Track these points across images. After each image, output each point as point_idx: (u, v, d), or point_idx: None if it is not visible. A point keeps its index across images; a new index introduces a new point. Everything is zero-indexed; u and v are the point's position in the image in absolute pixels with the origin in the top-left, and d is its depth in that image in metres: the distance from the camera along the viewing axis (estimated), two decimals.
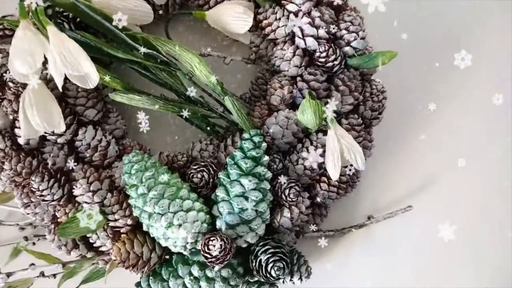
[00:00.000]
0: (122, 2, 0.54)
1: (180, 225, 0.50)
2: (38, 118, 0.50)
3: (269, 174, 0.53)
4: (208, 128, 0.59)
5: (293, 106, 0.57)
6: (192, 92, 0.54)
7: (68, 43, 0.48)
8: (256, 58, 0.60)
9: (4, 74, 0.59)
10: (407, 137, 0.65)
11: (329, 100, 0.54)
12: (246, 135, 0.52)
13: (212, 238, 0.49)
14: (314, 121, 0.51)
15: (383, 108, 0.59)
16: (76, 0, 0.52)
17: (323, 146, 0.54)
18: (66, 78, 0.55)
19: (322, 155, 0.54)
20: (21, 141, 0.56)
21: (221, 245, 0.49)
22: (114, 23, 0.51)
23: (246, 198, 0.51)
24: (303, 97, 0.55)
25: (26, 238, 0.64)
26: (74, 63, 0.47)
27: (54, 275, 0.60)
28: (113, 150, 0.57)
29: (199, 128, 0.59)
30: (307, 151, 0.54)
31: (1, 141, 0.56)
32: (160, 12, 0.60)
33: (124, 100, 0.54)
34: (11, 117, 0.57)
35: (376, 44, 0.59)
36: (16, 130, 0.56)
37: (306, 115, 0.51)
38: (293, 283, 0.56)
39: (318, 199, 0.56)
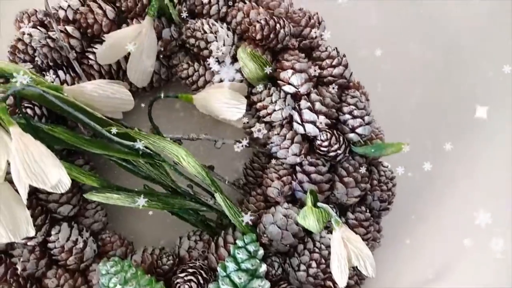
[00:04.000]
0: (98, 89, 0.47)
1: None
2: (2, 228, 0.44)
3: (267, 286, 0.46)
4: (199, 223, 0.52)
5: (293, 198, 0.51)
6: (139, 144, 0.46)
7: (33, 148, 0.42)
8: (250, 142, 0.53)
9: None
10: (417, 222, 0.58)
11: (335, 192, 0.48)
12: (239, 242, 0.46)
13: None
14: (317, 227, 0.45)
15: (393, 197, 0.53)
16: (45, 91, 0.45)
17: (328, 247, 0.48)
18: None
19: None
20: None
21: None
22: None
23: None
24: (304, 191, 0.49)
25: None
26: (40, 174, 0.41)
27: None
28: (91, 251, 0.51)
29: (188, 222, 0.53)
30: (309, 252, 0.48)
31: None
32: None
33: (100, 199, 0.48)
34: None
35: None
36: None
37: (309, 221, 0.45)
38: None
39: None
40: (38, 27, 0.55)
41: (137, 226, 0.57)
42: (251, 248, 0.45)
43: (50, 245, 0.50)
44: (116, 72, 0.54)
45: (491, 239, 0.55)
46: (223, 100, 0.49)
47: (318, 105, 0.49)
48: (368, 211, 0.51)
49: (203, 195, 0.52)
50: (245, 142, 0.49)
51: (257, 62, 0.49)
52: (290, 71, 0.50)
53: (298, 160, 0.50)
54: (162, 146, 0.48)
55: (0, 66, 0.50)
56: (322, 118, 0.49)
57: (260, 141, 0.53)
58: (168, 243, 0.55)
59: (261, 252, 0.46)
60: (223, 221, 0.53)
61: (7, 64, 0.50)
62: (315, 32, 0.53)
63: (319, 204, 0.47)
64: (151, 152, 0.49)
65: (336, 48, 0.53)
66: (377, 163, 0.53)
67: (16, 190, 0.46)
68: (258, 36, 0.51)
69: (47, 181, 0.41)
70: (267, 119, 0.52)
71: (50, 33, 0.52)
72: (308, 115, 0.49)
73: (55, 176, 0.41)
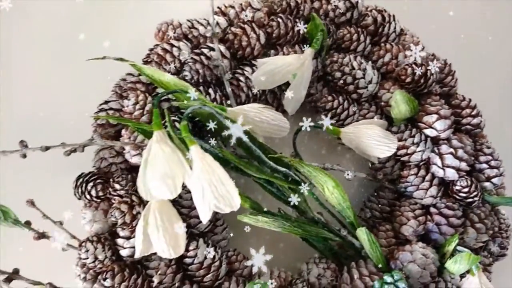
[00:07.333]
0: (260, 115, 0.49)
1: None
2: (166, 244, 0.44)
3: None
4: (326, 251, 0.54)
5: (424, 237, 0.53)
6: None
7: (219, 171, 0.42)
8: (383, 178, 0.55)
9: (104, 168, 0.53)
10: None
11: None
12: (388, 278, 0.48)
13: None
14: (462, 271, 0.48)
15: (509, 244, 0.56)
16: (217, 112, 0.46)
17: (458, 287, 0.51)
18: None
19: None
20: (124, 253, 0.50)
21: None
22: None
23: None
24: (440, 233, 0.52)
25: None
26: (226, 196, 0.42)
27: None
28: (224, 270, 0.52)
29: (317, 249, 0.54)
30: None
31: (101, 250, 0.50)
32: None
33: (251, 222, 0.49)
34: (110, 221, 0.51)
35: None
36: (119, 241, 0.50)
37: (459, 266, 0.47)
38: None
39: None
40: (183, 40, 0.55)
41: (236, 242, 0.58)
42: (401, 285, 0.47)
43: (187, 260, 0.50)
44: (260, 95, 0.55)
45: None
46: (374, 138, 0.51)
47: (460, 152, 0.52)
48: (490, 257, 0.54)
49: (332, 223, 0.54)
50: (354, 172, 0.52)
51: (410, 106, 0.52)
52: (434, 116, 0.52)
53: (434, 201, 0.53)
54: (314, 175, 0.49)
55: (161, 79, 0.50)
56: (463, 165, 0.52)
57: (388, 176, 0.56)
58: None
59: None
60: (349, 252, 0.54)
61: (172, 78, 0.50)
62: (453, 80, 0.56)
63: (459, 248, 0.50)
64: (299, 179, 0.50)
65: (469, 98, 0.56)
66: (496, 210, 0.56)
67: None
68: (408, 80, 0.53)
69: (233, 203, 0.42)
70: (404, 158, 0.54)
71: (204, 50, 0.53)
72: (450, 160, 0.52)
73: (238, 199, 0.42)
